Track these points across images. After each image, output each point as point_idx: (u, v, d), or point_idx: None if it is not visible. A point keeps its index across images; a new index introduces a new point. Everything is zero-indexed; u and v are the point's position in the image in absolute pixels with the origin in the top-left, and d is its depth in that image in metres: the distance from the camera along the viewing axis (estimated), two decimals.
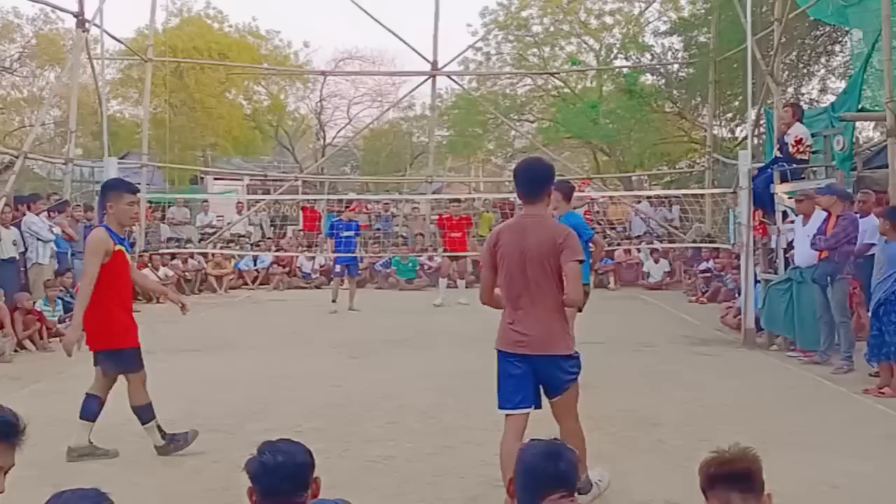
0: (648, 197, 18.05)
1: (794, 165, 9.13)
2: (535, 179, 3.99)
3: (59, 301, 10.00)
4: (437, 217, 17.35)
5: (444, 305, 12.95)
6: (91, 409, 5.02)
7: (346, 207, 13.43)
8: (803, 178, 9.44)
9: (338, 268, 13.03)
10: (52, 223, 11.07)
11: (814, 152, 10.34)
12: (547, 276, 3.83)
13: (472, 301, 12.76)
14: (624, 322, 11.12)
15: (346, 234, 12.64)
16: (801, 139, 9.24)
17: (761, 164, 9.66)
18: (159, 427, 5.09)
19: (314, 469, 2.41)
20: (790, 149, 9.05)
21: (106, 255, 4.84)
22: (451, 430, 5.46)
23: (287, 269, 16.35)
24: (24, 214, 10.54)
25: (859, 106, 10.75)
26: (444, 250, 14.30)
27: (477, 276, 14.76)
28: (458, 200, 15.88)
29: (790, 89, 18.82)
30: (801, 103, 18.78)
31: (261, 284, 16.08)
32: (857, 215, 8.33)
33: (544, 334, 3.84)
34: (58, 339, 9.48)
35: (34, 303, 9.51)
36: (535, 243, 3.84)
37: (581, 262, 3.83)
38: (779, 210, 9.30)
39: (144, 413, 5.05)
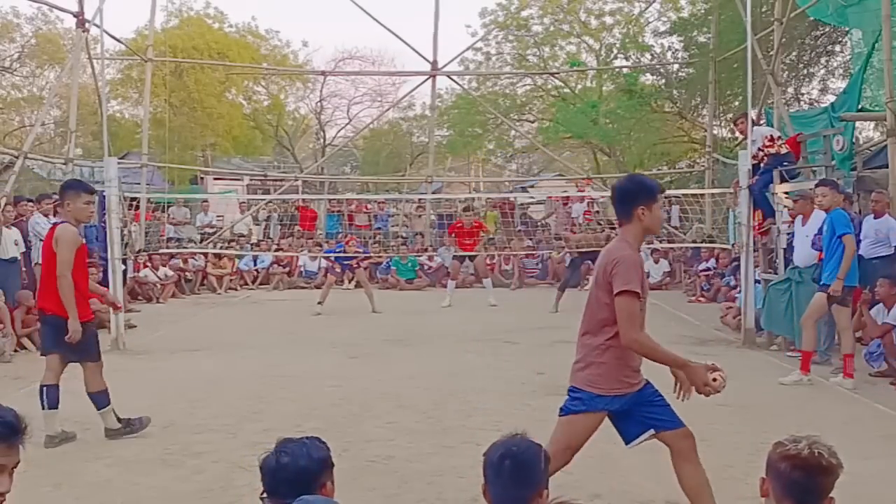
0: None
1: (787, 164, 9.13)
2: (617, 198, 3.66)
3: None
4: (445, 222, 17.32)
5: (451, 307, 12.79)
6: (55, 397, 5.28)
7: (348, 239, 13.35)
8: (799, 174, 9.46)
9: (338, 268, 13.28)
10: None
11: (813, 152, 10.36)
12: None
13: (499, 302, 12.76)
14: None
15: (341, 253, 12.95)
16: (770, 136, 9.24)
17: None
18: (114, 411, 5.35)
19: (326, 473, 2.33)
20: (767, 150, 9.03)
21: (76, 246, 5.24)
22: (451, 430, 5.45)
23: (287, 269, 16.35)
24: (29, 213, 10.51)
25: (859, 106, 10.76)
26: (456, 251, 14.01)
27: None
28: (471, 208, 15.72)
29: (790, 89, 18.82)
30: (801, 103, 18.92)
31: (261, 284, 16.08)
32: (871, 216, 8.33)
33: None
34: None
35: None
36: None
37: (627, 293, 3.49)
38: (779, 210, 9.30)
39: (101, 399, 5.32)
